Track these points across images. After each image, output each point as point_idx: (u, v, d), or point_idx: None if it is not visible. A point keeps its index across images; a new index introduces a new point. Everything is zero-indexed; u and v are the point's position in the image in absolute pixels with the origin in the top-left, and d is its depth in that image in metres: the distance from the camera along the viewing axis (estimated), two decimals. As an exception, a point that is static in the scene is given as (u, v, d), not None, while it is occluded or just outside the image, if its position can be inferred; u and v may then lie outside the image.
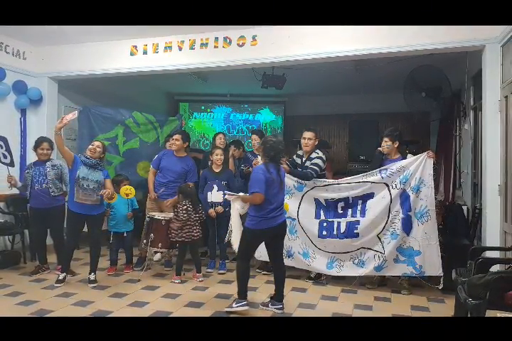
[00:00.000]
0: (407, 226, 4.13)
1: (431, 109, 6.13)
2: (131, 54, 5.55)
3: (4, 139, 4.77)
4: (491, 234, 4.11)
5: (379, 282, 4.43)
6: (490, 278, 2.59)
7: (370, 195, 4.28)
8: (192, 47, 5.29)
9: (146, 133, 6.18)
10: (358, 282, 4.40)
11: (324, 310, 3.73)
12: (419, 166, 4.11)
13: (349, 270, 4.34)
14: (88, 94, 6.70)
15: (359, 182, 4.32)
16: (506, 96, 4.02)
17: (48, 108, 5.97)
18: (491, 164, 4.19)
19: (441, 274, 4.02)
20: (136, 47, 5.53)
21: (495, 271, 2.87)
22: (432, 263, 4.05)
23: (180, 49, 5.35)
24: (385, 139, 4.42)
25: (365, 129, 8.21)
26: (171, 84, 8.28)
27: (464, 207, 5.23)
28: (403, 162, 4.20)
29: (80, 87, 6.44)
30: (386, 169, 4.23)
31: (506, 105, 4.04)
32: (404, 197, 4.15)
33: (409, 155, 4.49)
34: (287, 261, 4.39)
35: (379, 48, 4.59)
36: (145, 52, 5.50)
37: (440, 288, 4.06)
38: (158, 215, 4.77)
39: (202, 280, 4.58)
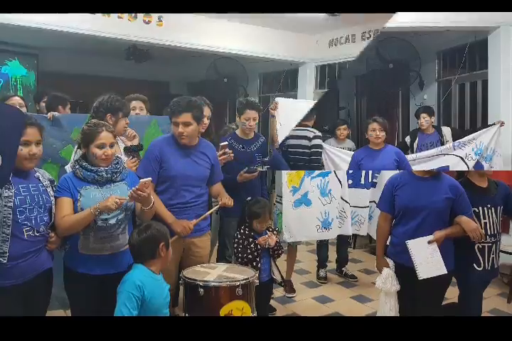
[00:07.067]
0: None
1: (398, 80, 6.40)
2: None
3: None
4: None
5: None
6: None
7: (446, 169, 4.36)
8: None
9: None
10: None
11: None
12: (493, 137, 4.37)
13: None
14: None
15: (433, 155, 4.37)
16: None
17: None
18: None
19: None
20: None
21: None
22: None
23: None
24: (423, 115, 4.52)
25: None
26: None
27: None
28: (475, 134, 4.39)
29: None
30: (459, 142, 4.37)
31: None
32: (478, 166, 4.39)
33: (443, 127, 4.74)
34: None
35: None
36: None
37: None
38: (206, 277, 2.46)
39: None
